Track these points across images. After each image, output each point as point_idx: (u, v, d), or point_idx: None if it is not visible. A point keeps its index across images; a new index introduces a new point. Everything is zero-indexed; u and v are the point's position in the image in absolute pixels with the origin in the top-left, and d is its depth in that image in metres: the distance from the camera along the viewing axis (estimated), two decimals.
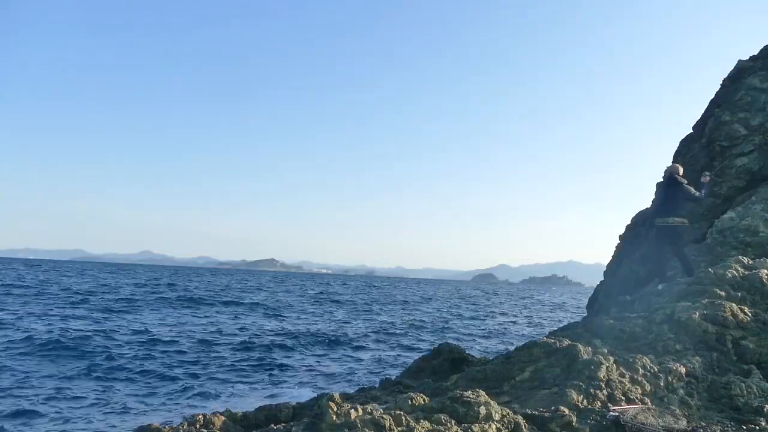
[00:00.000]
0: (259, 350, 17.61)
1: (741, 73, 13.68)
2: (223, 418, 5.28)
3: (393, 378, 9.09)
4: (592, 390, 5.15)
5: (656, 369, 5.60)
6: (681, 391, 5.43)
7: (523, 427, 4.53)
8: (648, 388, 5.38)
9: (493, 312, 43.08)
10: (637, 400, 5.17)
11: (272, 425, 5.03)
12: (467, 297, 71.04)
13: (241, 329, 22.48)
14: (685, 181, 9.30)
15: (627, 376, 5.46)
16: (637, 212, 14.33)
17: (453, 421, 4.39)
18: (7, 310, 24.10)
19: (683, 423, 4.68)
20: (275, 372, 14.58)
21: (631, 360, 5.68)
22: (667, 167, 9.62)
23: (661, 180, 9.72)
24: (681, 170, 9.49)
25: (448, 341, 11.22)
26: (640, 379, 5.46)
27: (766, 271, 7.70)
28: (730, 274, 7.70)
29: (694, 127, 14.25)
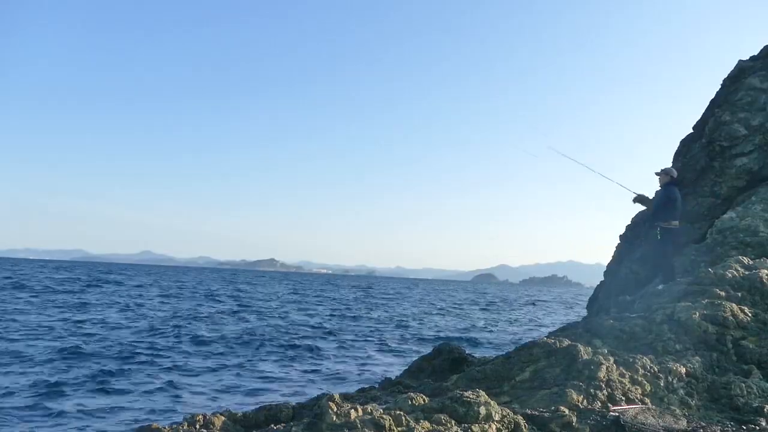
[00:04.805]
0: (257, 350, 17.61)
1: (741, 73, 13.67)
2: (223, 418, 5.28)
3: (393, 378, 9.08)
4: (592, 390, 5.15)
5: (656, 369, 5.60)
6: (681, 391, 5.42)
7: (523, 427, 4.52)
8: (648, 388, 5.38)
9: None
10: (637, 400, 5.17)
11: (272, 425, 5.03)
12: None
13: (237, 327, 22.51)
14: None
15: (627, 376, 5.46)
16: (637, 212, 14.33)
17: (453, 421, 4.39)
18: None
19: (683, 423, 4.68)
20: (274, 371, 14.58)
21: (631, 360, 5.67)
22: (665, 169, 9.90)
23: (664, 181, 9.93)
24: (675, 173, 9.88)
25: (449, 341, 11.22)
26: (640, 379, 5.46)
27: (766, 271, 7.69)
28: (730, 274, 7.70)
29: (694, 127, 14.23)
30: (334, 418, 4.21)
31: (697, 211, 12.12)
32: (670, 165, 14.21)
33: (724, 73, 14.17)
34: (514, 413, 4.65)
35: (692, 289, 7.63)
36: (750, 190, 11.78)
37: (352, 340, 21.20)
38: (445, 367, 8.84)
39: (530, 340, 6.94)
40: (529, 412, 4.80)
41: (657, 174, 10.00)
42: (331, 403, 4.39)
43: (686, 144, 14.13)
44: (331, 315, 32.06)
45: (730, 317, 6.64)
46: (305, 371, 14.89)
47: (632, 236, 13.91)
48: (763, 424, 4.89)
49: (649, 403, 5.13)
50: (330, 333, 23.11)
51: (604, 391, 5.17)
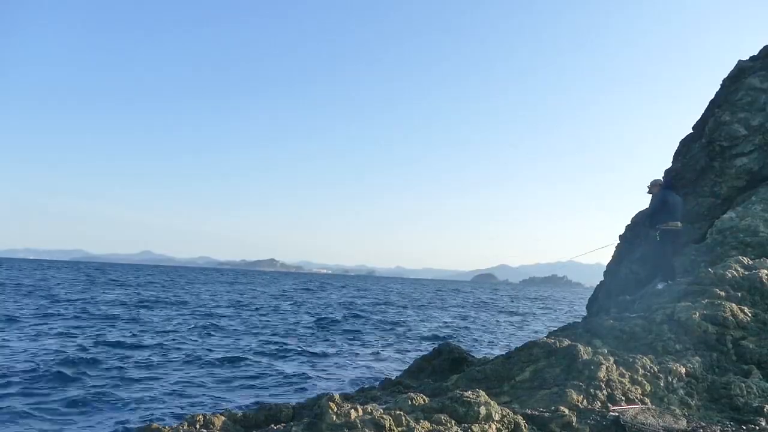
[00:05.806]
0: (256, 350, 17.62)
1: (741, 73, 13.67)
2: (223, 418, 5.28)
3: (393, 378, 9.09)
4: (592, 390, 5.15)
5: (656, 369, 5.60)
6: (681, 391, 5.43)
7: (523, 427, 4.53)
8: (648, 388, 5.38)
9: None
10: (637, 400, 5.17)
11: (272, 425, 5.03)
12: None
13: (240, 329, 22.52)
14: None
15: (627, 376, 5.46)
16: (637, 212, 14.34)
17: (453, 421, 4.39)
18: None
19: (683, 423, 4.68)
20: (276, 372, 14.58)
21: (631, 360, 5.68)
22: (653, 181, 10.25)
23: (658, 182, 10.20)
24: (661, 179, 10.33)
25: (449, 341, 11.23)
26: (640, 379, 5.46)
27: (766, 271, 7.70)
28: (730, 274, 7.70)
29: (694, 127, 14.24)
30: (334, 418, 4.22)
31: (697, 211, 12.12)
32: (669, 165, 14.24)
33: (724, 73, 14.19)
34: (514, 413, 4.66)
35: (692, 289, 7.64)
36: (750, 190, 11.79)
37: (353, 340, 21.19)
38: (445, 367, 8.85)
39: (530, 340, 6.94)
40: (529, 412, 4.80)
41: (649, 192, 10.28)
42: (331, 403, 4.39)
43: (686, 144, 14.13)
44: (330, 315, 32.05)
45: (730, 317, 6.65)
46: (305, 371, 14.89)
47: (632, 236, 13.91)
48: (763, 424, 4.89)
49: (649, 403, 5.13)
50: (330, 333, 23.12)
51: (604, 391, 5.17)
